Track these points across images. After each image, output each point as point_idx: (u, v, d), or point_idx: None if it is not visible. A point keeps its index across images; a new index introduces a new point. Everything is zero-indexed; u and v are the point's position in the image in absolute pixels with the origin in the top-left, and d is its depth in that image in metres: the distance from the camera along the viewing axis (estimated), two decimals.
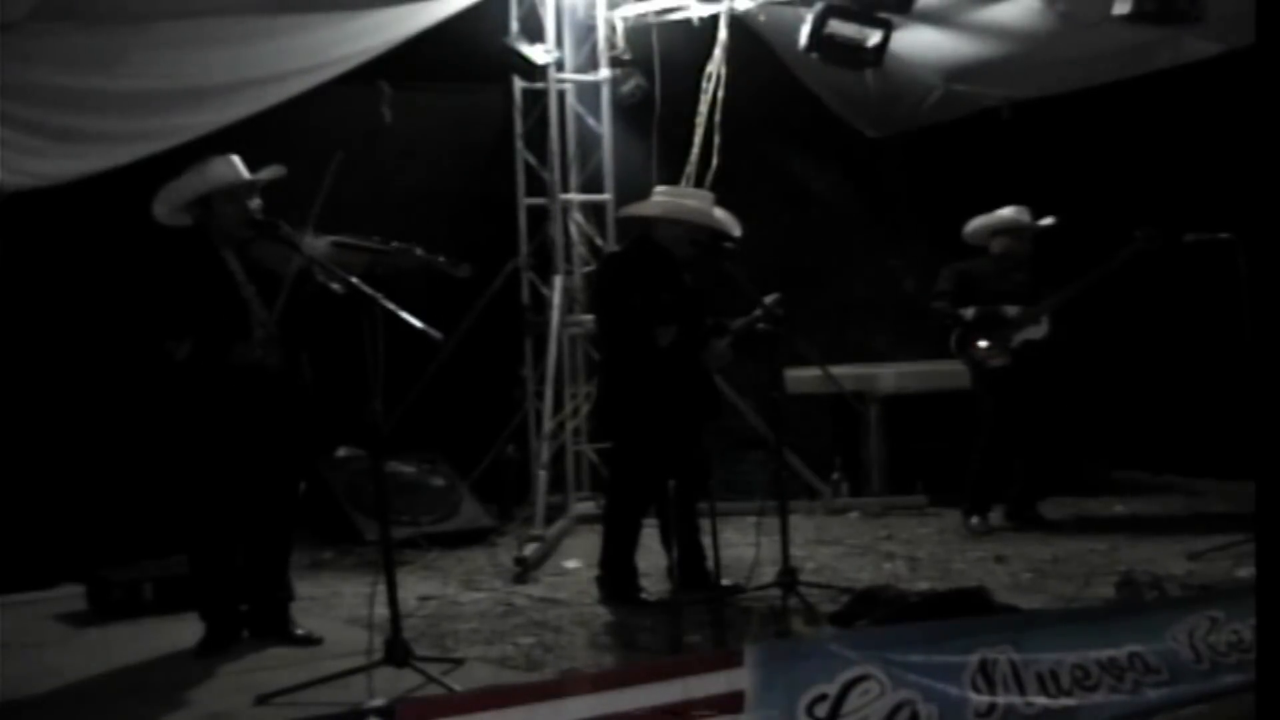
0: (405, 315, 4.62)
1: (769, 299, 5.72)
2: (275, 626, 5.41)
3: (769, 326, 5.74)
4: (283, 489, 5.44)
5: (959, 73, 8.04)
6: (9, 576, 6.16)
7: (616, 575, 5.94)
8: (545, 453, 7.69)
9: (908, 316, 8.69)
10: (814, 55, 7.08)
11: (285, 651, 5.25)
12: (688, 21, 7.82)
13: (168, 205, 5.30)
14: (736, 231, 6.00)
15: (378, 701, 3.37)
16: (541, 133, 8.06)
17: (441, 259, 5.26)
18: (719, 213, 5.98)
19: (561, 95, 8.09)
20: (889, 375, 8.52)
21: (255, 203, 5.27)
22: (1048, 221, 7.26)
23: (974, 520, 7.31)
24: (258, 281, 5.25)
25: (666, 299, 5.75)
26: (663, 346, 5.68)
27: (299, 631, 5.42)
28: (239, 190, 5.24)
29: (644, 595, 5.90)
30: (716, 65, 7.75)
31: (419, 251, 5.22)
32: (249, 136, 5.86)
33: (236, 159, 5.30)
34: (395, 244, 5.23)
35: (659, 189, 6.20)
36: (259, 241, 5.17)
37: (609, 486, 6.40)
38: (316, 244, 5.07)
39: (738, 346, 5.96)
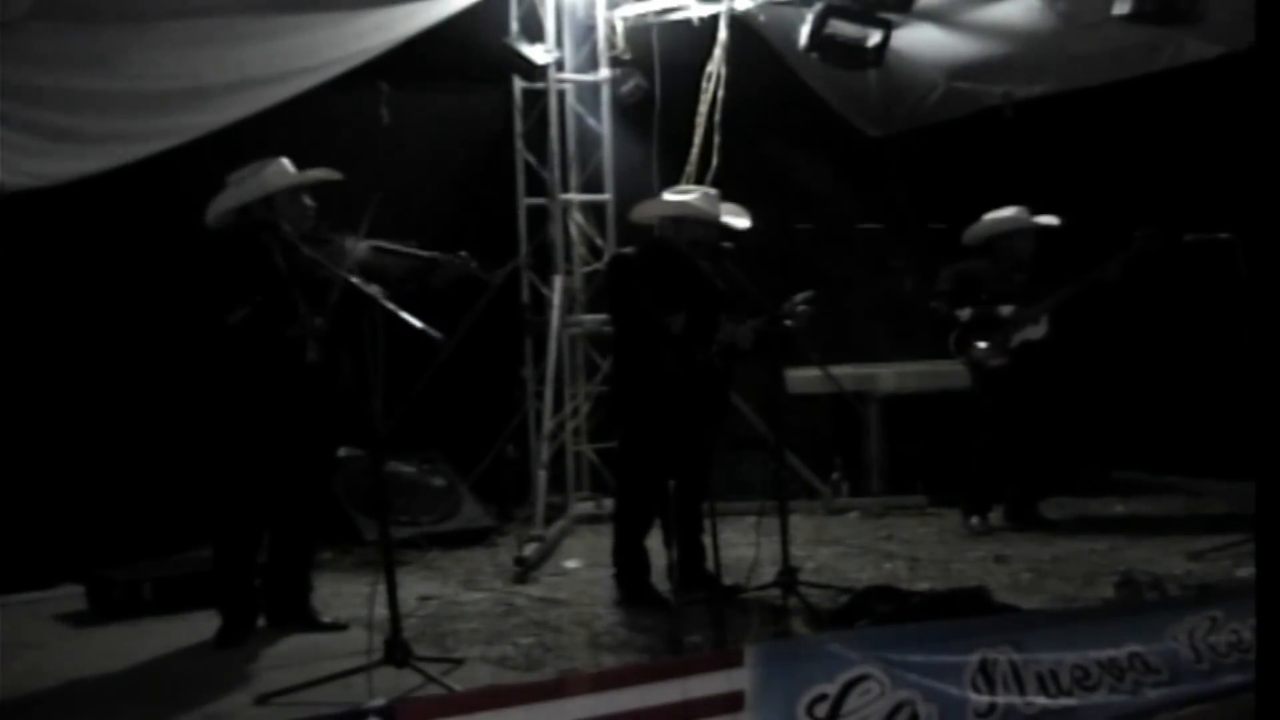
0: (405, 315, 4.63)
1: (800, 296, 5.72)
2: (296, 614, 5.52)
3: (773, 328, 5.73)
4: (313, 484, 5.57)
5: (961, 70, 8.05)
6: (9, 576, 6.15)
7: (632, 572, 5.92)
8: (545, 453, 7.69)
9: (908, 316, 8.68)
10: (814, 55, 7.09)
11: (285, 651, 5.26)
12: (688, 21, 7.82)
13: (221, 209, 5.36)
14: (745, 223, 6.00)
15: (378, 701, 3.37)
16: (541, 133, 8.06)
17: (475, 264, 5.36)
18: (725, 206, 5.98)
19: (561, 95, 8.09)
20: (889, 375, 8.52)
21: (309, 201, 5.40)
22: (1050, 221, 7.25)
23: (974, 520, 7.31)
24: (302, 282, 5.29)
25: (677, 292, 5.73)
26: (676, 333, 5.64)
27: (325, 619, 5.55)
28: (298, 190, 5.36)
29: (663, 595, 5.83)
30: (716, 65, 7.76)
31: (460, 259, 5.30)
32: (249, 136, 5.86)
33: (287, 161, 5.39)
34: (438, 253, 5.32)
35: (665, 192, 6.20)
36: (309, 243, 5.22)
37: (617, 486, 6.37)
38: (356, 247, 5.12)
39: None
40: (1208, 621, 4.29)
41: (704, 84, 7.79)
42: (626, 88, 8.03)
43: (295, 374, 5.29)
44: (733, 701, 3.50)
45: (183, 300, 5.47)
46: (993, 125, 8.29)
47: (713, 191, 6.21)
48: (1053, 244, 7.30)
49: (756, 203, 6.24)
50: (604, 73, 8.12)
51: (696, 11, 7.76)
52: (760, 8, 7.65)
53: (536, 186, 8.17)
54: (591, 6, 8.04)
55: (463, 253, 5.33)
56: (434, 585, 6.40)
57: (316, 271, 5.16)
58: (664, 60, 7.90)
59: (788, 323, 5.69)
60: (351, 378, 5.40)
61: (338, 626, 5.50)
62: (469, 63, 7.66)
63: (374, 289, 4.83)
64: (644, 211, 6.15)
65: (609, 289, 6.28)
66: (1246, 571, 5.68)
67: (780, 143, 8.98)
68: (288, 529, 5.55)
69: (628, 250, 6.17)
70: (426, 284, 5.27)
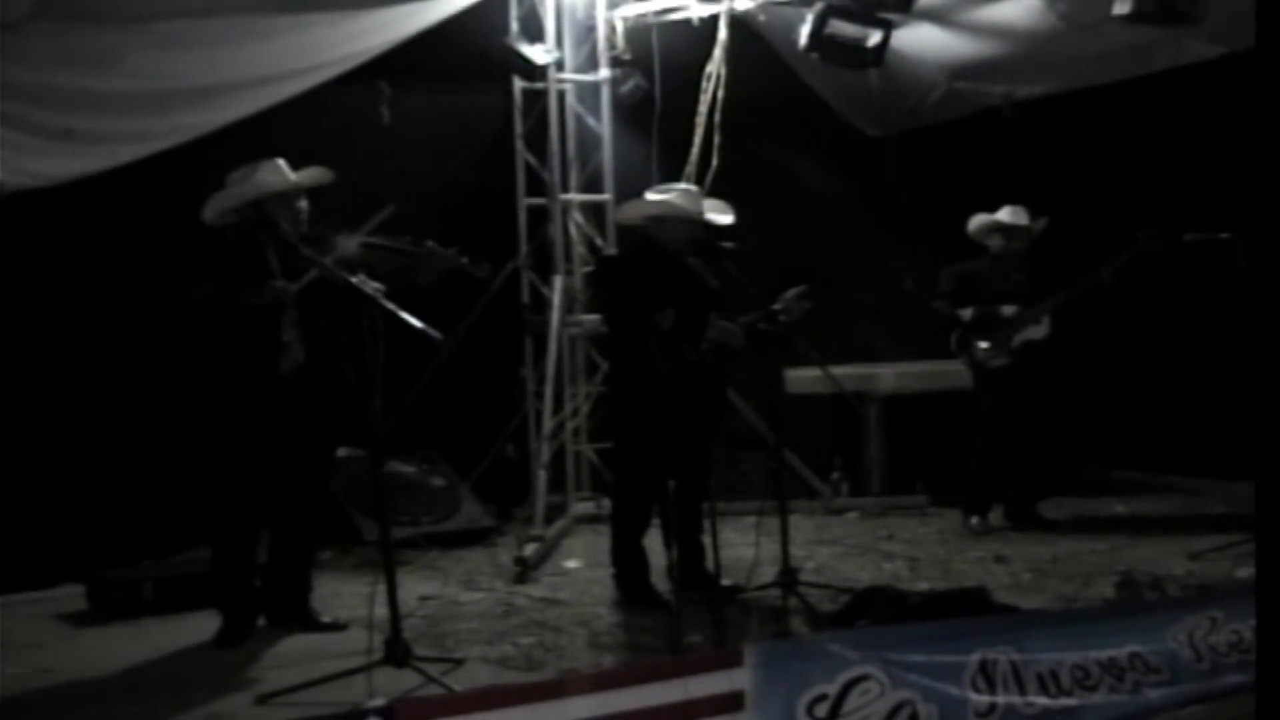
0: (405, 315, 4.63)
1: (792, 291, 5.72)
2: (296, 614, 5.53)
3: (770, 327, 5.73)
4: (313, 484, 5.57)
5: (961, 70, 8.05)
6: (9, 576, 6.16)
7: (631, 572, 5.92)
8: (545, 453, 7.69)
9: (908, 316, 8.68)
10: (814, 55, 7.10)
11: (285, 651, 5.26)
12: (688, 21, 7.83)
13: (218, 209, 5.36)
14: (728, 219, 5.99)
15: (378, 701, 3.37)
16: (541, 133, 8.06)
17: (464, 259, 5.36)
18: (708, 203, 5.98)
19: (561, 95, 8.09)
20: (889, 375, 8.52)
21: (303, 204, 5.39)
22: (1040, 223, 7.25)
23: (974, 520, 7.31)
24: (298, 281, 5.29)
25: (665, 291, 5.72)
26: (666, 329, 5.63)
27: (324, 619, 5.56)
28: (290, 194, 5.34)
29: (663, 595, 5.84)
30: (716, 65, 7.76)
31: (447, 253, 5.30)
32: (249, 136, 5.86)
33: (283, 162, 5.37)
34: (427, 246, 5.31)
35: (647, 192, 6.20)
36: (307, 242, 5.22)
37: (615, 486, 6.38)
38: (347, 244, 5.11)
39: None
40: (1208, 621, 4.29)
41: (704, 84, 7.79)
42: (626, 88, 8.03)
43: (282, 377, 5.28)
44: (733, 701, 3.50)
45: (180, 296, 5.46)
46: (993, 125, 8.29)
47: (694, 189, 6.21)
48: (1053, 244, 7.30)
49: (756, 203, 6.25)
50: (604, 73, 8.12)
51: (696, 11, 7.77)
52: (760, 8, 7.65)
53: (536, 186, 8.17)
54: (591, 6, 8.04)
55: (451, 249, 5.32)
56: (434, 585, 6.40)
57: (316, 271, 5.16)
58: (664, 60, 7.90)
59: (781, 317, 5.69)
60: (351, 378, 5.40)
61: (337, 626, 5.51)
62: (469, 63, 7.65)
63: (375, 287, 4.83)
64: (627, 212, 6.17)
65: (598, 291, 6.31)
66: (1246, 571, 5.68)
67: (780, 143, 8.98)
68: (287, 529, 5.56)
69: (614, 252, 6.20)
70: (413, 281, 5.25)
